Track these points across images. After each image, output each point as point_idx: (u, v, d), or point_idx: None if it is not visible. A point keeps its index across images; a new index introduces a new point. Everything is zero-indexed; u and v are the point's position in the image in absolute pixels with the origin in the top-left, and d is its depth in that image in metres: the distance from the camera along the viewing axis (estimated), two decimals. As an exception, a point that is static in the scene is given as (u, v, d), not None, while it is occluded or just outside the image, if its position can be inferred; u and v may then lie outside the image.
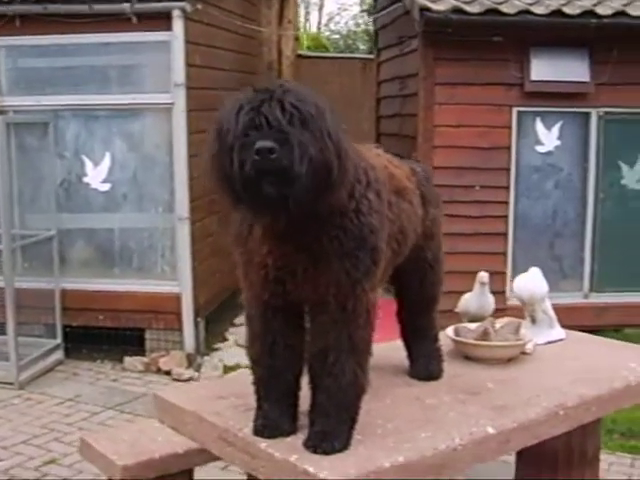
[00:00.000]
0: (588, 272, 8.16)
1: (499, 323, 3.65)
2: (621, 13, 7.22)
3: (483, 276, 4.01)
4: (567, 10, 7.15)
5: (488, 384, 3.10)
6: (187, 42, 6.91)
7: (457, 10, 7.02)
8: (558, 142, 7.93)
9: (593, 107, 7.81)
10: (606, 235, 8.03)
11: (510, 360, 3.41)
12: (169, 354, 7.11)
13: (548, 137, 7.90)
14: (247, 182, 2.16)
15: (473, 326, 3.62)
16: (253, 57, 9.35)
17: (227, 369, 7.01)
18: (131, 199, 7.42)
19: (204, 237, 7.51)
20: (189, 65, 7.01)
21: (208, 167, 2.30)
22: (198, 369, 7.01)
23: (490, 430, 2.65)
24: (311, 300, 2.43)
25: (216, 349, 7.64)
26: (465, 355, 3.45)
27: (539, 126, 7.88)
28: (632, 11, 7.25)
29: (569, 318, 7.68)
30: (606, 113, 7.87)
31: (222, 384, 3.18)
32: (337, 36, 22.91)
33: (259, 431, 2.49)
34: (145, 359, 7.14)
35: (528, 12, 7.13)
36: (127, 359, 7.19)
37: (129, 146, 7.35)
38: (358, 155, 2.42)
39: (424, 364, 3.17)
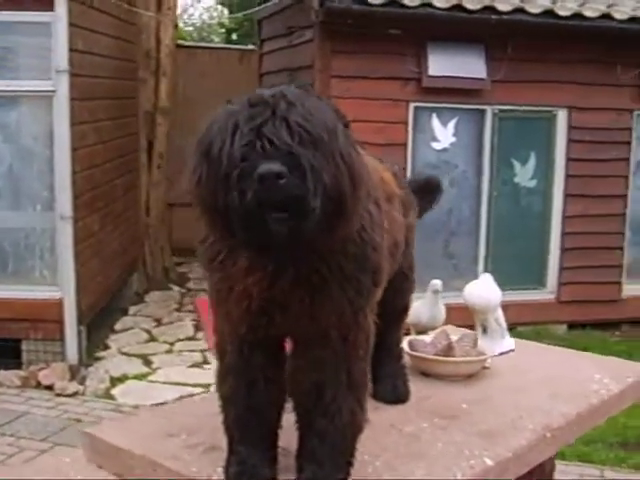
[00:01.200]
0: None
1: (453, 335, 3.35)
2: (520, 10, 7.15)
3: (436, 284, 3.70)
4: (468, 5, 7.01)
5: (462, 405, 2.83)
6: (70, 25, 6.28)
7: (357, 1, 6.74)
8: (453, 139, 7.82)
9: (488, 104, 7.73)
10: (499, 233, 7.99)
11: (471, 376, 3.13)
12: (49, 366, 6.51)
13: (444, 133, 7.77)
14: (249, 218, 1.73)
15: (428, 339, 3.31)
16: (132, 45, 8.75)
17: (114, 381, 6.47)
18: (5, 196, 6.79)
19: (86, 237, 6.92)
20: (72, 50, 6.38)
21: (192, 195, 1.86)
22: (83, 382, 6.43)
23: (488, 462, 2.37)
24: (305, 333, 2.03)
25: (99, 358, 7.07)
26: (422, 371, 3.14)
27: (435, 122, 7.74)
28: (530, 8, 7.19)
29: (463, 318, 7.70)
30: (501, 111, 7.82)
31: (165, 417, 2.72)
32: (191, 28, 22.37)
33: (235, 479, 2.09)
34: (22, 373, 6.50)
35: (429, 5, 6.94)
36: (2, 373, 6.51)
37: (4, 137, 6.71)
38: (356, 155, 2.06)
39: (390, 385, 2.84)
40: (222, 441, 2.33)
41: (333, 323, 1.99)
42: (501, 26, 7.24)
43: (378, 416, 2.68)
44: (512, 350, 3.57)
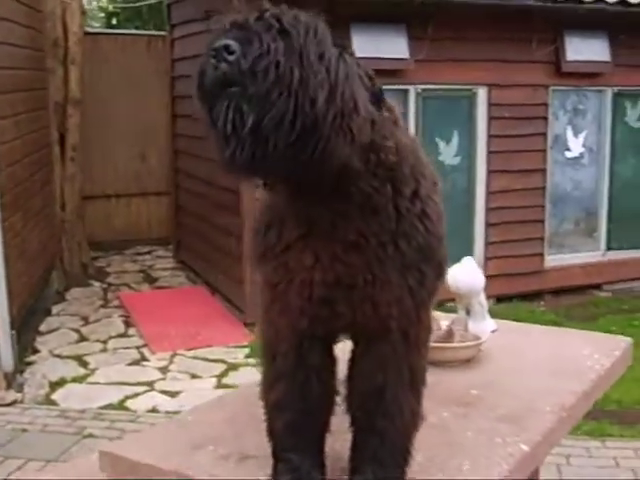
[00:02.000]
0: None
1: (443, 320, 3.34)
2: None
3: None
4: (392, -15, 7.00)
5: (472, 391, 2.82)
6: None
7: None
8: (379, 120, 7.79)
9: (412, 84, 7.76)
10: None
11: (468, 360, 3.14)
12: (-18, 375, 6.18)
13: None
14: (205, 98, 1.64)
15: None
16: (39, 33, 8.36)
17: (53, 386, 6.21)
18: None
19: (12, 238, 6.59)
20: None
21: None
22: (20, 389, 6.14)
23: (524, 447, 2.37)
24: (366, 326, 1.95)
25: (30, 363, 6.78)
26: (420, 358, 3.10)
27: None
28: (452, -13, 7.24)
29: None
30: (424, 90, 7.86)
31: (183, 428, 2.60)
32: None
33: (291, 488, 2.02)
34: (-46, 384, 6.16)
35: (350, -16, 6.89)
36: None
37: None
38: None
39: None
40: (252, 449, 2.27)
41: (394, 315, 1.92)
42: (422, 5, 7.26)
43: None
44: (495, 330, 3.59)
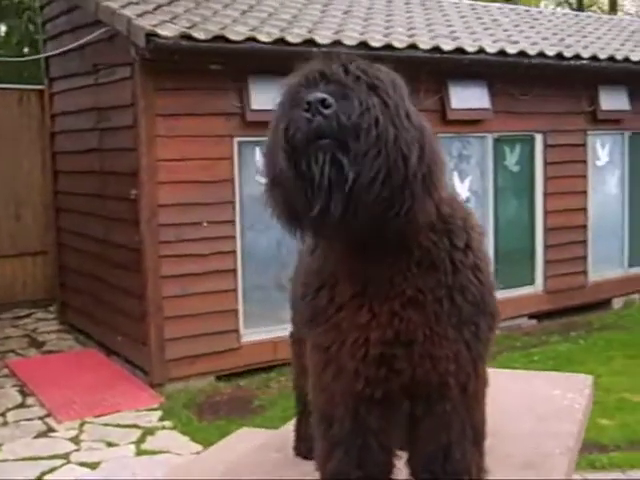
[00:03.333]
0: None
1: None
2: (337, 42, 7.32)
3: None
4: (290, 39, 7.05)
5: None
6: None
7: (185, 36, 6.55)
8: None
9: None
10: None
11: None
12: None
13: (268, 167, 7.73)
14: (294, 151, 1.62)
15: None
16: None
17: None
18: None
19: None
20: None
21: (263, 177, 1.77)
22: None
23: None
24: (426, 383, 1.91)
25: None
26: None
27: (259, 156, 7.68)
28: (346, 40, 7.38)
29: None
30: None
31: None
32: None
33: None
34: None
35: (254, 39, 6.90)
36: None
37: None
38: (454, 194, 1.98)
39: None
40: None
41: (452, 370, 1.89)
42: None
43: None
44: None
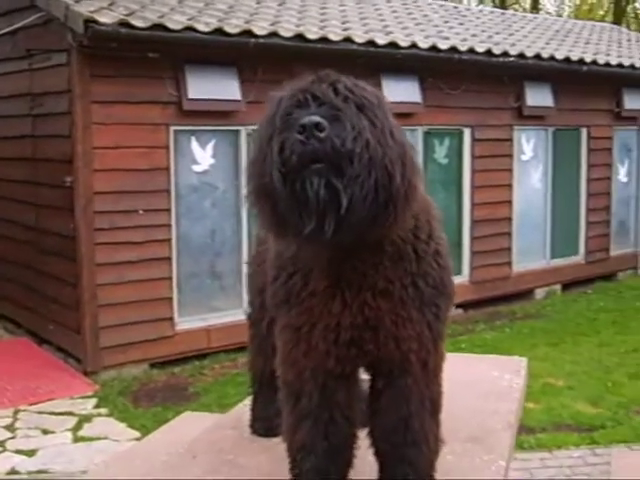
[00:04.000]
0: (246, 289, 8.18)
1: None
2: (274, 34, 7.39)
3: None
4: (227, 29, 7.10)
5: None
6: None
7: (124, 24, 6.54)
8: (212, 160, 7.85)
9: (242, 125, 7.86)
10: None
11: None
12: None
13: (203, 156, 7.78)
14: (288, 172, 1.70)
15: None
16: None
17: None
18: None
19: None
20: None
21: (247, 187, 1.84)
22: None
23: (502, 463, 2.58)
24: (389, 361, 2.03)
25: None
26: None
27: (194, 145, 7.72)
28: (283, 32, 7.45)
29: (232, 335, 7.78)
30: (254, 131, 7.97)
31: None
32: None
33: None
34: None
35: (192, 29, 6.92)
36: None
37: None
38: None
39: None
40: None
41: (414, 348, 2.02)
42: (253, 49, 7.40)
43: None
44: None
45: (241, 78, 7.69)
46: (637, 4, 30.16)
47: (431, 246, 2.02)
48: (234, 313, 8.10)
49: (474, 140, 9.84)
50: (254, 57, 7.59)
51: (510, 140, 10.22)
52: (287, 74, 7.53)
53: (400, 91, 8.80)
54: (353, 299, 1.95)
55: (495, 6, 26.27)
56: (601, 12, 31.49)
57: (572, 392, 6.75)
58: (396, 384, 2.06)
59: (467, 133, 9.81)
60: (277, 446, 2.76)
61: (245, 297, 7.99)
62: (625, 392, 6.70)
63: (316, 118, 1.68)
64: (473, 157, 9.87)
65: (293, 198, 1.71)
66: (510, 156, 10.24)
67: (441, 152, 9.71)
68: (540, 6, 29.16)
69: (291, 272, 2.03)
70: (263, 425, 2.85)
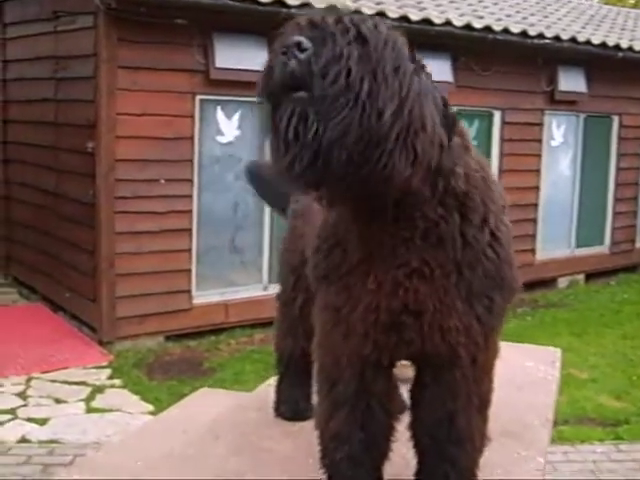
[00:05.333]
0: (267, 264, 8.07)
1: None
2: (306, 4, 7.19)
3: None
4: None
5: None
6: None
7: (151, -13, 6.38)
8: (238, 132, 7.70)
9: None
10: (282, 225, 7.97)
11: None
12: None
13: (228, 127, 7.63)
14: (270, 98, 1.57)
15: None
16: None
17: None
18: None
19: None
20: None
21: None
22: None
23: (541, 460, 2.46)
24: (436, 353, 1.87)
25: None
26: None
27: (220, 115, 7.57)
28: (316, 3, 7.26)
29: (249, 311, 7.66)
30: (281, 103, 7.81)
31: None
32: None
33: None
34: None
35: (221, -6, 6.75)
36: None
37: None
38: (482, 166, 1.92)
39: None
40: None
41: (463, 342, 1.86)
42: (283, 19, 7.20)
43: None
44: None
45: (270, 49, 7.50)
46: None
47: (485, 232, 1.84)
48: (253, 288, 8.03)
49: (504, 123, 9.63)
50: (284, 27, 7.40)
51: (540, 125, 10.00)
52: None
53: (432, 69, 8.58)
54: (384, 277, 1.79)
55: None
56: (632, 0, 31.04)
57: (596, 385, 6.60)
58: (443, 378, 1.92)
59: (497, 116, 9.60)
60: (302, 431, 2.64)
61: (265, 272, 8.03)
62: (650, 387, 6.55)
63: (298, 38, 1.52)
64: (502, 140, 9.66)
65: (274, 126, 1.57)
66: (540, 141, 10.03)
67: (470, 134, 9.48)
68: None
69: (332, 244, 1.89)
70: (289, 408, 2.72)
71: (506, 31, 8.74)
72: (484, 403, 1.99)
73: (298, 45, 1.52)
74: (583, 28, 10.45)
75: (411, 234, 1.77)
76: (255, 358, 7.12)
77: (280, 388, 2.77)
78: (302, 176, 1.56)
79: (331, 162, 1.53)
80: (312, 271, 1.97)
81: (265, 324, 8.13)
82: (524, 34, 8.94)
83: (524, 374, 3.24)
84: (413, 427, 1.99)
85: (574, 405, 6.06)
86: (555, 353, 3.59)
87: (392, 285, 1.79)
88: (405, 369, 2.44)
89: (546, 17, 10.63)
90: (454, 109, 1.81)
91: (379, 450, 1.98)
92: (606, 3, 26.93)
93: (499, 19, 9.35)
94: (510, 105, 9.57)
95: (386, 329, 1.83)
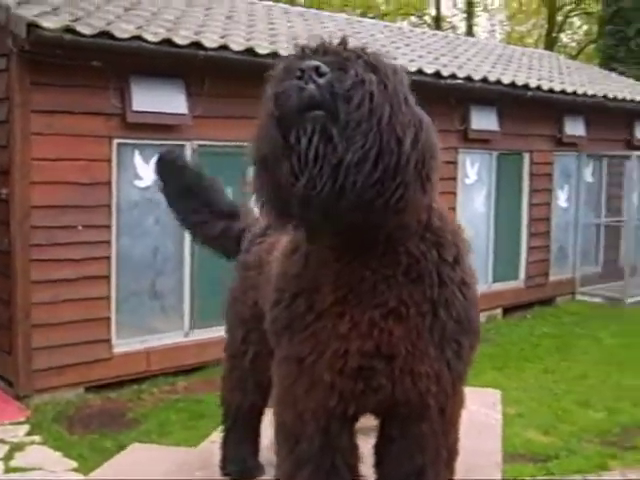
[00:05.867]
0: (188, 309, 7.91)
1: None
2: (224, 47, 7.16)
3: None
4: (176, 40, 6.84)
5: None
6: None
7: (69, 30, 6.23)
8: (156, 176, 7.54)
9: (188, 140, 7.61)
10: (203, 269, 7.87)
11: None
12: None
13: (146, 171, 7.48)
14: (282, 118, 1.52)
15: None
16: None
17: None
18: None
19: None
20: None
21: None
22: None
23: None
24: (405, 402, 1.82)
25: None
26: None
27: (138, 159, 7.42)
28: (233, 46, 7.23)
29: (171, 359, 7.49)
30: (200, 146, 7.74)
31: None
32: None
33: None
34: None
35: (139, 38, 6.65)
36: None
37: None
38: (444, 207, 1.90)
39: None
40: None
41: (433, 390, 1.81)
42: (201, 62, 7.16)
43: None
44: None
45: (188, 91, 7.44)
46: (562, 35, 30.95)
47: (457, 272, 1.82)
48: (175, 335, 7.85)
49: (420, 162, 9.74)
50: (202, 70, 7.35)
51: (455, 163, 10.17)
52: (235, 89, 7.42)
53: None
54: (361, 317, 1.74)
55: (430, 28, 26.56)
56: (530, 40, 32.18)
57: (523, 420, 6.65)
58: (411, 431, 1.86)
59: (413, 155, 9.70)
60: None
61: (187, 318, 7.86)
62: (576, 420, 6.63)
63: (316, 62, 1.51)
64: (418, 179, 9.76)
65: (287, 148, 1.52)
66: (454, 179, 10.19)
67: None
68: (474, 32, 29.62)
69: (295, 292, 1.82)
70: (237, 467, 2.62)
71: (420, 72, 8.88)
72: (452, 455, 1.94)
73: (316, 69, 1.50)
74: (493, 68, 10.73)
75: (393, 271, 1.74)
76: (180, 407, 6.93)
77: (226, 445, 2.67)
78: (319, 200, 1.51)
79: (351, 186, 1.49)
80: (271, 325, 1.90)
81: (188, 371, 7.98)
82: (437, 75, 9.11)
83: (469, 419, 3.19)
84: None
85: (504, 441, 6.06)
86: (495, 395, 3.59)
87: (368, 326, 1.74)
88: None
89: (456, 57, 10.88)
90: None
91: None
92: (508, 43, 27.85)
93: (412, 60, 9.51)
94: (425, 144, 9.69)
95: (354, 376, 1.77)
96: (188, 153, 7.63)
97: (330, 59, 1.53)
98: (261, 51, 7.45)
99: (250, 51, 7.38)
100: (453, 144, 10.03)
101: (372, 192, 1.51)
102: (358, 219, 1.56)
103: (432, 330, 1.78)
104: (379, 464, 1.93)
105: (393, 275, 1.73)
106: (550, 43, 27.89)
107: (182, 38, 6.93)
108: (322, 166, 1.49)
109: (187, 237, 7.73)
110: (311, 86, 1.50)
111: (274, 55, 7.55)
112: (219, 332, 7.81)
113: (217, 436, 3.05)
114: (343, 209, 1.52)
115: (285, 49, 7.77)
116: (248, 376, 2.49)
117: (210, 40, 7.14)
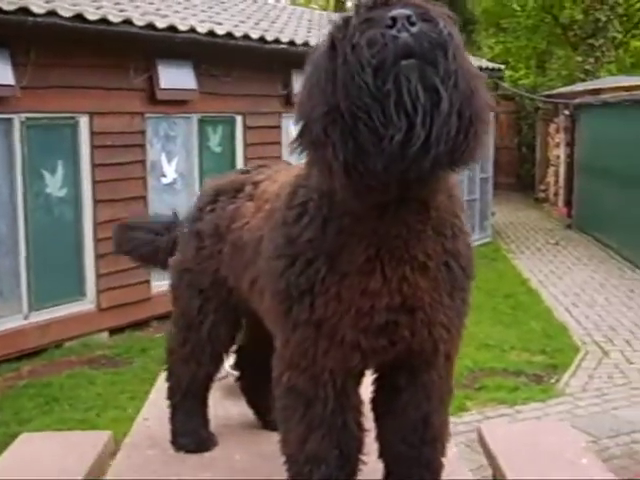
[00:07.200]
0: (25, 291, 7.55)
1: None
2: (53, 13, 6.80)
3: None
4: (2, 5, 6.43)
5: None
6: None
7: None
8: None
9: (16, 113, 7.20)
10: (39, 247, 7.53)
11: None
12: None
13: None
14: (377, 70, 1.46)
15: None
16: None
17: None
18: None
19: None
20: None
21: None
22: None
23: None
24: (420, 352, 1.88)
25: None
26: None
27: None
28: (62, 12, 6.89)
29: (11, 345, 7.15)
30: (28, 119, 7.34)
31: None
32: None
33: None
34: None
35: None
36: None
37: None
38: None
39: None
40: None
41: (444, 337, 1.89)
42: (28, 30, 6.77)
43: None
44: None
45: (14, 61, 7.01)
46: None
47: (463, 223, 1.90)
48: (14, 319, 7.47)
49: (246, 128, 9.77)
50: (27, 38, 6.96)
51: (279, 127, 10.24)
52: (59, 57, 7.06)
53: (176, 77, 8.53)
54: (393, 273, 1.76)
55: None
56: (321, 3, 32.65)
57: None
58: (420, 380, 1.93)
59: (239, 120, 9.72)
60: (215, 462, 2.55)
61: (25, 301, 7.49)
62: None
63: (407, 11, 1.48)
64: (245, 145, 9.80)
65: (384, 99, 1.46)
66: (279, 143, 10.27)
67: (215, 140, 9.54)
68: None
69: (311, 257, 1.80)
70: (191, 440, 2.59)
71: (247, 37, 8.87)
72: (450, 398, 2.04)
73: (408, 18, 1.47)
74: (309, 32, 10.87)
75: (424, 225, 1.76)
76: (32, 393, 6.63)
77: (176, 419, 2.64)
78: (415, 154, 1.47)
79: (442, 137, 1.48)
80: (285, 291, 1.85)
81: (31, 354, 7.62)
82: (262, 40, 9.12)
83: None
84: (385, 436, 1.99)
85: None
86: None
87: (398, 281, 1.77)
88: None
89: (274, 22, 10.92)
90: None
91: (352, 466, 1.96)
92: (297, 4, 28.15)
93: (235, 25, 9.46)
94: (250, 110, 9.73)
95: (378, 332, 1.80)
96: (16, 127, 7.23)
97: (413, 9, 1.50)
98: (89, 17, 7.14)
99: (79, 17, 7.06)
100: (277, 109, 10.10)
101: (457, 143, 1.51)
102: (439, 171, 1.56)
103: (445, 280, 1.84)
104: (384, 416, 1.99)
105: (424, 230, 1.77)
106: (341, 6, 28.46)
107: (8, 4, 6.52)
108: (425, 115, 1.46)
109: (21, 218, 7.38)
110: (405, 35, 1.47)
111: (103, 21, 7.30)
112: (60, 312, 7.61)
113: (148, 413, 3.00)
114: (431, 161, 1.50)
115: (114, 15, 7.51)
116: (205, 346, 2.46)
117: (37, 6, 6.75)
